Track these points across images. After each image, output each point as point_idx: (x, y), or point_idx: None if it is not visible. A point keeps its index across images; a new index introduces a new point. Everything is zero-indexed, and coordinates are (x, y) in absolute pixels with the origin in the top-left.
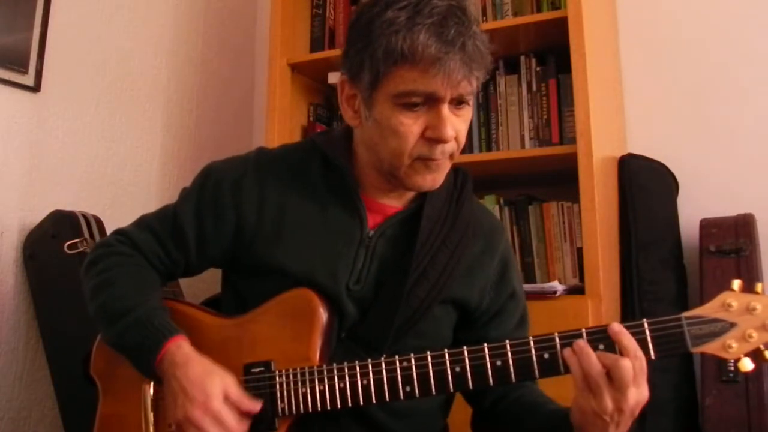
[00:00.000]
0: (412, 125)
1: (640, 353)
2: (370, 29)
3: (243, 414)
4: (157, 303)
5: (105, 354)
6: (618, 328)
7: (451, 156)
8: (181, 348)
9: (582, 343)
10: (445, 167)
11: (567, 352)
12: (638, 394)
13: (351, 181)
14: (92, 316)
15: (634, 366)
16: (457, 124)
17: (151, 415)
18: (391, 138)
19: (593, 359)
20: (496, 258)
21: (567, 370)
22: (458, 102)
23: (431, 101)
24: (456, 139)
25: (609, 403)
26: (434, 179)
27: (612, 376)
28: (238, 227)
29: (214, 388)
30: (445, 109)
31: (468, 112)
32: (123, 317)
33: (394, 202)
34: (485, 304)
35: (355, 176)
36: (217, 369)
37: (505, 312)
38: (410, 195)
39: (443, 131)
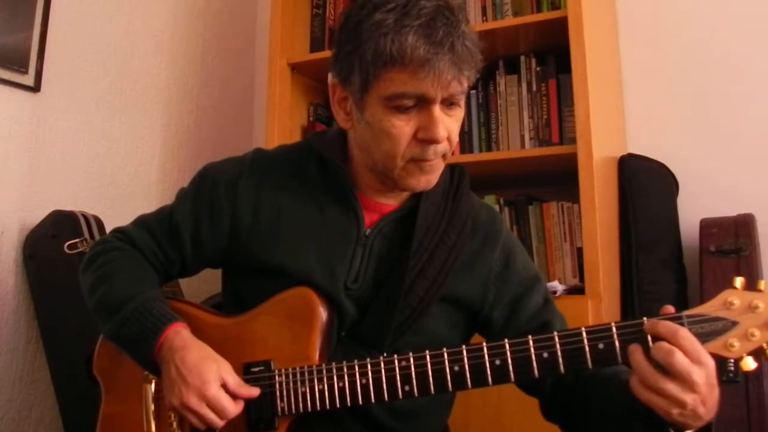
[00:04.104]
0: (404, 127)
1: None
2: (359, 32)
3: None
4: (155, 293)
5: (108, 353)
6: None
7: (444, 156)
8: (179, 334)
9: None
10: (439, 168)
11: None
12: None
13: (346, 181)
14: (92, 311)
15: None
16: (448, 124)
17: (152, 414)
18: (383, 140)
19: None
20: (497, 249)
21: (567, 369)
22: (449, 102)
23: (422, 102)
24: (448, 139)
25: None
26: (428, 180)
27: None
28: (234, 228)
29: (210, 374)
30: (437, 109)
31: (459, 112)
32: (122, 308)
33: (390, 201)
34: (492, 297)
35: (350, 176)
36: (215, 355)
37: (525, 297)
38: (406, 194)
39: (435, 132)
